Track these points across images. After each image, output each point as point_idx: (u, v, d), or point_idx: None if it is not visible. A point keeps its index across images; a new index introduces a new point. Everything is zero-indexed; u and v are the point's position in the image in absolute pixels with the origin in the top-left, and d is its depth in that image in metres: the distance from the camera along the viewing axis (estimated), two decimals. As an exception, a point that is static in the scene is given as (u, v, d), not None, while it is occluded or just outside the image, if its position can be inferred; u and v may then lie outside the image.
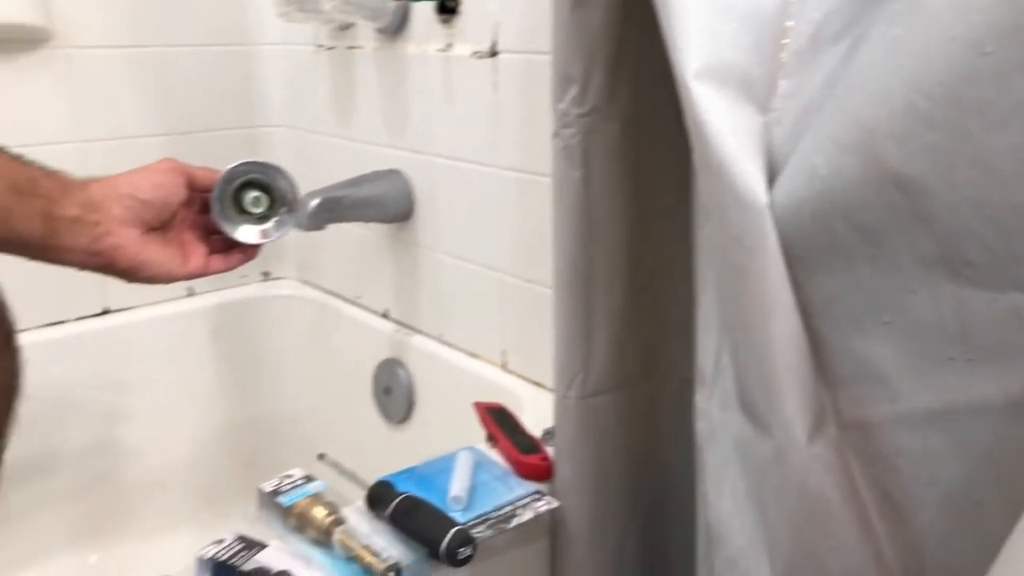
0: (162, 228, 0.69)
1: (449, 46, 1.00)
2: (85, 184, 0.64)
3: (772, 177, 0.48)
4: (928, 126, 0.39)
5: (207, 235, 0.73)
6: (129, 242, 0.66)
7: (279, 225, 0.73)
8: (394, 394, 1.18)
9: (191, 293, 1.31)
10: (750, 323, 0.49)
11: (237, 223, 0.72)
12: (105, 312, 1.23)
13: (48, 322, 1.18)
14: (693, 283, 0.62)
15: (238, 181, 0.72)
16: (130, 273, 0.68)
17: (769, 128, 0.50)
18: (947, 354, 0.42)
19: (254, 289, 1.37)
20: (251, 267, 1.36)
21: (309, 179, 1.26)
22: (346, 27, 1.16)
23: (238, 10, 1.30)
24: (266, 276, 1.40)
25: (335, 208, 1.05)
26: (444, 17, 1.00)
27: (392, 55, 1.09)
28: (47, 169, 0.62)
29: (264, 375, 1.37)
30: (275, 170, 0.73)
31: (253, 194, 0.72)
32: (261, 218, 0.73)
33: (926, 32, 0.39)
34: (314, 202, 1.03)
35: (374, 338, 1.21)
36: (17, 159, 0.60)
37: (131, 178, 0.67)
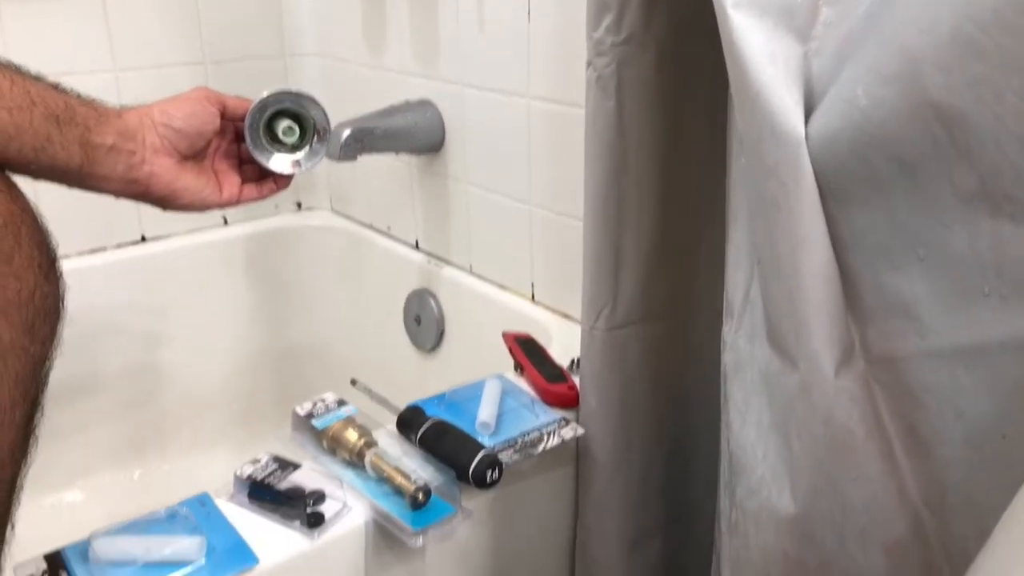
0: (196, 157, 0.70)
1: (482, -28, 0.98)
2: (120, 113, 0.65)
3: (810, 109, 0.48)
4: (976, 56, 0.38)
5: (240, 164, 0.74)
6: (164, 171, 0.66)
7: (311, 155, 0.74)
8: (424, 323, 1.19)
9: (226, 223, 1.32)
10: (781, 256, 0.49)
11: (270, 152, 0.72)
12: (143, 240, 1.25)
13: (88, 249, 1.21)
14: (725, 215, 0.62)
15: (271, 110, 0.72)
16: (165, 201, 0.69)
17: (808, 58, 0.49)
18: (981, 289, 0.41)
19: (287, 219, 1.39)
20: (284, 197, 1.37)
21: (340, 109, 1.26)
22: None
23: (270, -65, 1.28)
24: (299, 206, 1.41)
25: (366, 139, 1.05)
26: (478, -59, 0.98)
27: (424, -19, 1.07)
28: (83, 97, 0.62)
29: (297, 303, 1.40)
30: (308, 99, 0.73)
31: (286, 123, 0.73)
32: (293, 147, 0.73)
33: (978, -44, 0.38)
34: (345, 133, 1.03)
35: (405, 268, 1.22)
36: (54, 87, 0.60)
37: (165, 107, 0.68)
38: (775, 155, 0.48)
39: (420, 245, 1.22)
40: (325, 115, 0.74)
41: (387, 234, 1.29)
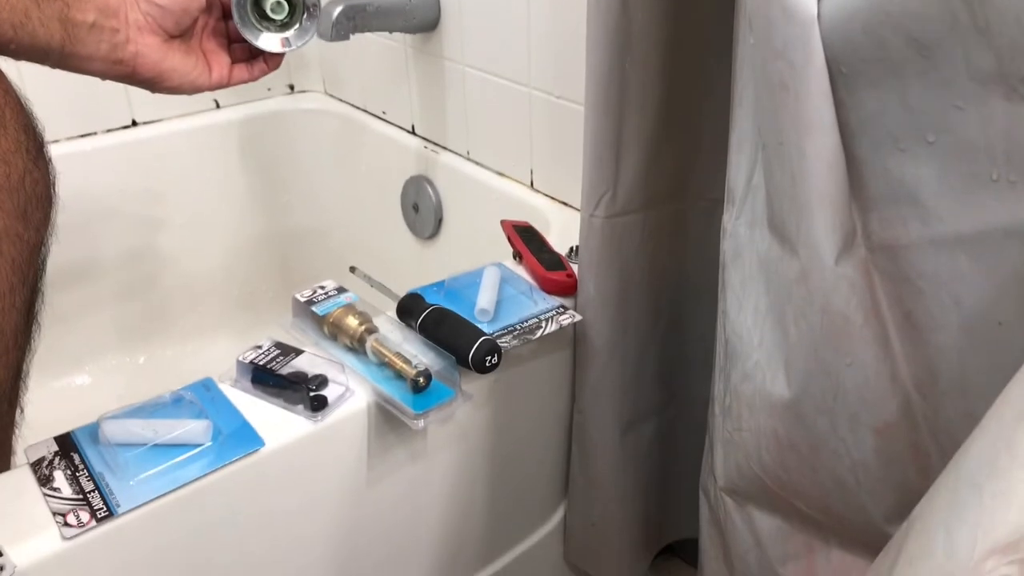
0: (183, 36, 0.67)
1: None
2: None
3: (824, -16, 0.45)
4: (1002, -74, 0.36)
5: (230, 44, 0.71)
6: (150, 50, 0.64)
7: (301, 32, 0.71)
8: (422, 211, 1.18)
9: (218, 106, 1.29)
10: (786, 140, 0.48)
11: (259, 30, 0.69)
12: (133, 124, 1.22)
13: (78, 134, 1.18)
14: (730, 100, 0.60)
15: None
16: (153, 82, 0.67)
17: (825, -72, 0.46)
18: (989, 175, 0.40)
19: (280, 102, 1.35)
20: (276, 79, 1.34)
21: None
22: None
23: None
24: (291, 89, 1.38)
25: (358, 16, 1.01)
26: None
27: None
28: None
29: (293, 188, 1.38)
30: None
31: (273, 0, 0.70)
32: (283, 25, 0.71)
33: None
34: (336, 10, 0.99)
35: (401, 154, 1.20)
36: None
37: None
38: (784, 35, 0.46)
39: (416, 130, 1.20)
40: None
41: (382, 118, 1.26)
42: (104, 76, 0.64)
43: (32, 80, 0.61)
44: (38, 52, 0.59)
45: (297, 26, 0.71)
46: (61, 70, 0.62)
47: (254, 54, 0.71)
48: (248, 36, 0.69)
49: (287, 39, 0.71)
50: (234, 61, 0.71)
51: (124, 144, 1.21)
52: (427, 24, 1.08)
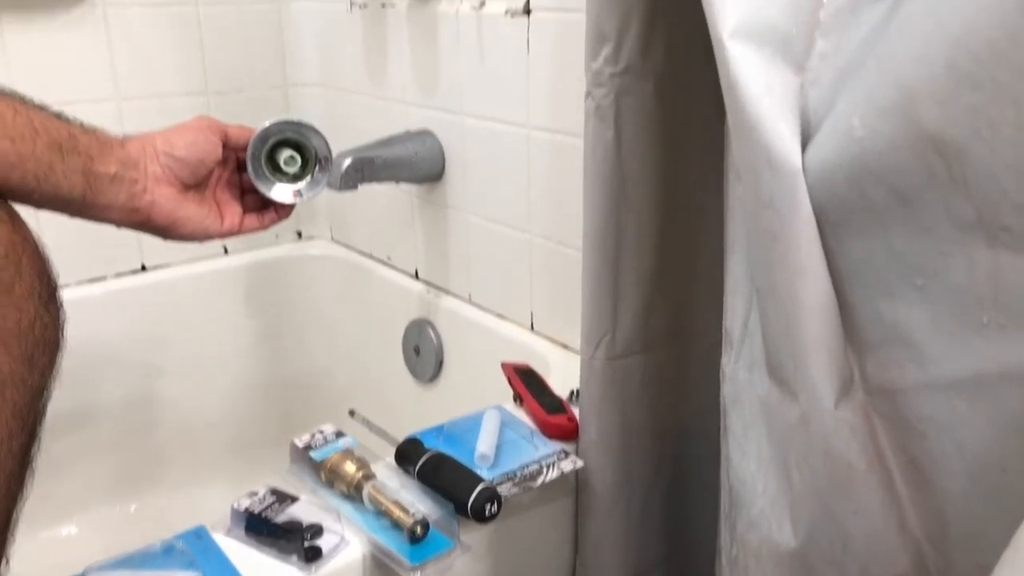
0: (198, 186, 0.70)
1: (482, 4, 0.99)
2: (123, 142, 0.65)
3: (806, 139, 0.48)
4: (971, 87, 0.38)
5: (242, 194, 0.74)
6: (166, 199, 0.67)
7: (313, 184, 0.74)
8: (423, 353, 1.19)
9: (226, 252, 1.33)
10: (779, 287, 0.49)
11: (272, 182, 0.72)
12: (143, 269, 1.25)
13: (88, 278, 1.21)
14: (723, 245, 0.61)
15: (273, 140, 0.72)
16: (167, 230, 0.69)
17: (805, 89, 0.49)
18: (980, 319, 0.41)
19: (287, 248, 1.39)
20: (284, 227, 1.37)
21: (341, 138, 1.27)
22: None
23: (272, -33, 1.30)
24: (299, 236, 1.42)
25: (367, 168, 1.05)
26: (477, -25, 0.99)
27: (425, 13, 1.08)
28: (86, 126, 0.63)
29: (297, 333, 1.40)
30: (309, 129, 0.73)
31: (288, 153, 0.73)
32: (295, 177, 0.73)
33: (971, -11, 0.38)
34: (346, 162, 1.03)
35: (404, 298, 1.22)
36: (57, 116, 0.61)
37: (168, 136, 0.68)
38: (771, 185, 0.48)
39: (420, 274, 1.22)
40: (327, 144, 0.74)
41: (387, 263, 1.29)
42: (119, 224, 0.66)
43: (47, 223, 0.63)
44: (59, 203, 0.61)
45: (309, 178, 0.74)
46: (78, 218, 0.64)
47: (265, 203, 0.74)
48: (261, 188, 0.71)
49: (299, 191, 0.73)
50: (246, 210, 0.73)
51: (132, 289, 1.24)
52: (432, 175, 1.12)
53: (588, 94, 0.68)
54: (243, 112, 1.28)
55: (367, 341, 1.32)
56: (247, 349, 1.35)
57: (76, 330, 0.70)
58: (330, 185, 1.05)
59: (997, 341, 0.41)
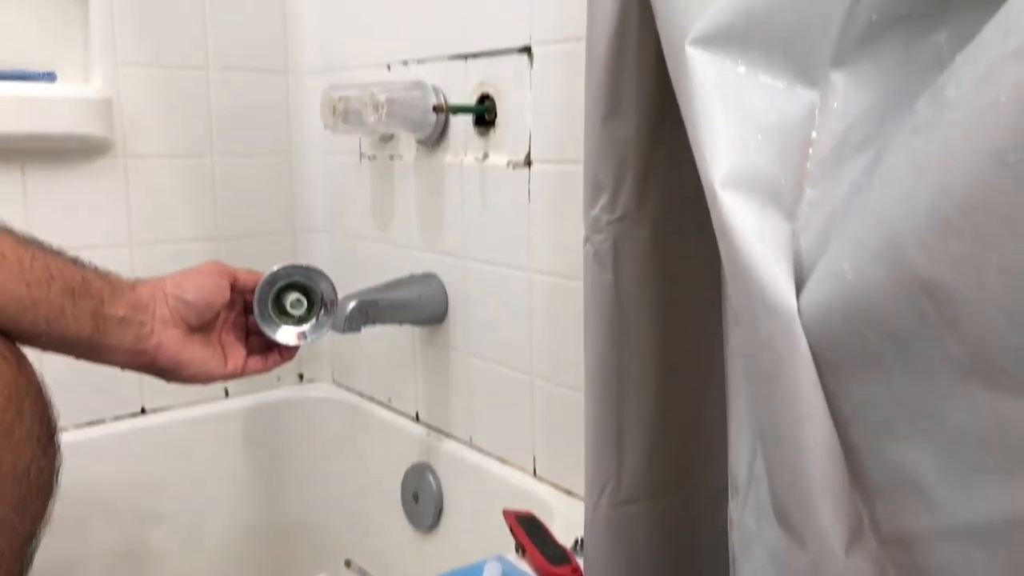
0: (204, 328, 0.71)
1: (485, 156, 1.04)
2: (133, 285, 0.66)
3: (800, 282, 0.49)
4: (954, 233, 0.39)
5: (247, 335, 0.75)
6: (172, 342, 0.67)
7: (317, 327, 0.75)
8: (423, 500, 1.16)
9: (227, 395, 1.32)
10: (782, 430, 0.48)
11: (277, 324, 0.73)
12: (143, 412, 1.24)
13: (86, 421, 1.20)
14: (725, 388, 0.61)
15: (280, 283, 0.74)
16: (171, 372, 0.69)
17: (796, 235, 0.51)
18: (986, 464, 0.40)
19: (289, 391, 1.39)
20: (287, 369, 1.38)
21: (347, 282, 1.29)
22: (388, 138, 1.21)
23: (286, 122, 1.37)
24: (301, 378, 1.41)
25: (371, 311, 1.07)
26: (481, 129, 1.05)
27: (431, 164, 1.13)
28: (99, 270, 0.65)
29: (295, 478, 1.37)
30: (317, 272, 0.75)
31: (294, 296, 0.74)
32: (300, 319, 0.74)
33: (948, 143, 0.40)
34: (351, 305, 1.05)
35: (404, 442, 1.21)
36: (73, 261, 0.63)
37: (177, 279, 0.70)
38: (769, 328, 0.48)
39: (420, 417, 1.21)
40: (333, 288, 0.76)
41: (387, 406, 1.28)
42: (124, 366, 0.67)
43: (49, 363, 0.63)
44: (67, 345, 0.62)
45: (314, 321, 0.75)
46: (83, 360, 0.65)
47: (269, 346, 0.75)
48: (267, 330, 0.72)
49: (303, 333, 0.74)
50: (250, 352, 0.74)
51: (131, 432, 1.23)
52: (435, 317, 1.14)
53: (587, 240, 0.70)
54: (252, 256, 1.31)
55: (366, 487, 1.29)
56: (244, 494, 1.32)
57: (70, 475, 0.69)
58: (334, 327, 1.06)
59: (1006, 486, 0.40)
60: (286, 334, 0.73)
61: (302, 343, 0.74)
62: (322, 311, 0.75)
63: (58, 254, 0.62)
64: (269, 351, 0.75)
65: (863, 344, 0.45)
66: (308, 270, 0.74)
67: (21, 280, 0.56)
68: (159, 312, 0.67)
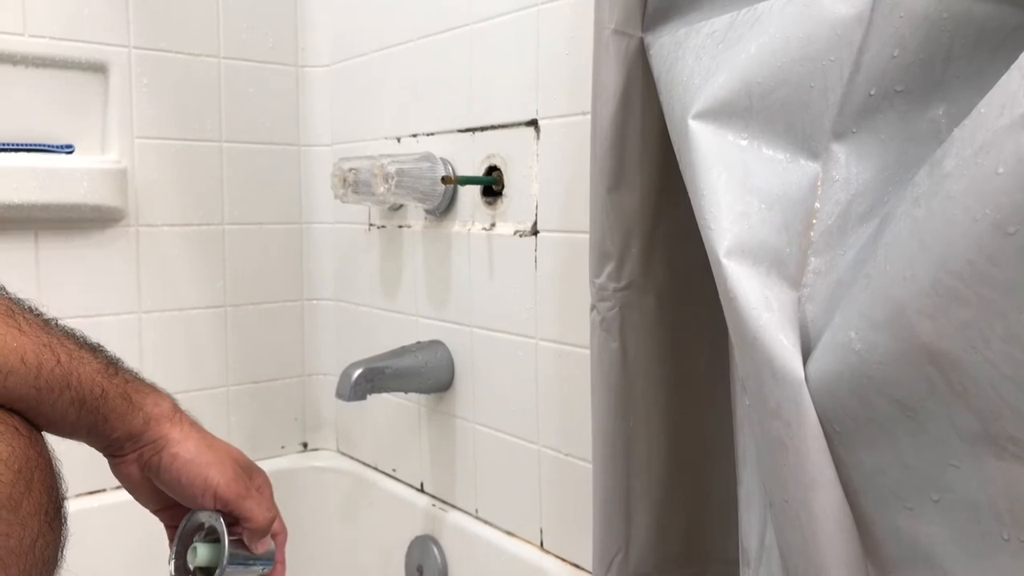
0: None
1: (493, 225, 1.05)
2: (147, 419, 0.64)
3: (807, 351, 0.49)
4: (958, 303, 0.40)
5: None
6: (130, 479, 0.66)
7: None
8: (427, 573, 1.14)
9: (230, 462, 1.31)
10: (791, 498, 0.48)
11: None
12: (144, 480, 1.23)
13: (88, 491, 1.19)
14: (734, 457, 0.61)
15: (189, 537, 0.69)
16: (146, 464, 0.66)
17: (802, 304, 0.51)
18: (1000, 535, 0.40)
19: (293, 460, 1.37)
20: (290, 438, 1.37)
21: (355, 350, 1.30)
22: (397, 208, 1.23)
23: (297, 192, 1.39)
24: (305, 447, 1.40)
25: (377, 379, 1.07)
26: (489, 199, 1.06)
27: (439, 233, 1.15)
28: (133, 382, 0.63)
29: (298, 548, 1.34)
30: (209, 527, 0.69)
31: (196, 549, 0.69)
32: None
33: (949, 214, 0.40)
34: (356, 373, 1.05)
35: (409, 513, 1.19)
36: (107, 366, 0.61)
37: (181, 463, 0.65)
38: (777, 397, 0.48)
39: (425, 487, 1.20)
40: (221, 533, 0.68)
41: (392, 476, 1.27)
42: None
43: (51, 437, 0.63)
44: (53, 432, 0.61)
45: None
46: None
47: None
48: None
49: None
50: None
51: (131, 502, 1.20)
52: (441, 385, 1.13)
53: (593, 308, 0.71)
54: (257, 323, 1.32)
55: (369, 559, 1.27)
56: (243, 566, 1.29)
57: (70, 544, 0.68)
58: (340, 395, 1.06)
59: (1021, 559, 0.39)
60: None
61: None
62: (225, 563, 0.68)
63: (95, 354, 0.61)
64: None
65: (871, 412, 0.45)
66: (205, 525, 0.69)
67: (32, 386, 0.56)
68: (145, 460, 0.65)
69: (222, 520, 0.67)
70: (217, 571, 0.67)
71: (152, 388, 0.65)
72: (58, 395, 0.58)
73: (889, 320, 0.42)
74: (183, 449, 0.65)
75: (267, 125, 1.35)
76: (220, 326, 1.29)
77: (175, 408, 0.66)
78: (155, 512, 0.69)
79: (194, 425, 0.67)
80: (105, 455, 0.66)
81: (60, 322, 0.61)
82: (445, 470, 1.16)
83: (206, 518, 0.68)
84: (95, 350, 0.62)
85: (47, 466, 0.57)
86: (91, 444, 0.64)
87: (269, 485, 0.71)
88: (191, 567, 0.68)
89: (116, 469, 0.66)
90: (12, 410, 0.56)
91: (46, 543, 0.56)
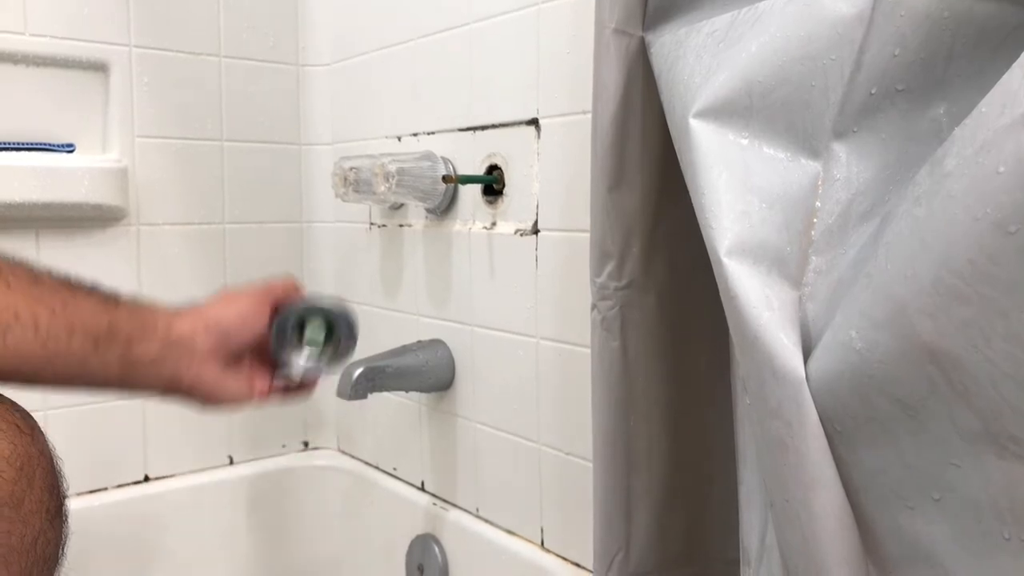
0: (237, 355, 0.69)
1: (493, 224, 1.05)
2: (170, 320, 0.65)
3: (807, 350, 0.49)
4: (960, 301, 0.40)
5: (272, 361, 0.72)
6: (209, 375, 0.66)
7: (336, 358, 0.73)
8: (428, 572, 1.14)
9: (231, 462, 1.31)
10: (792, 498, 0.48)
11: (295, 354, 0.71)
12: (145, 479, 1.23)
13: (87, 489, 1.19)
14: (735, 457, 0.61)
15: (302, 315, 0.72)
16: (204, 401, 0.67)
17: (803, 303, 0.51)
18: (1001, 534, 0.40)
19: (293, 459, 1.37)
20: (291, 436, 1.37)
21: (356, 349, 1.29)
22: (398, 207, 1.23)
23: (298, 191, 1.39)
24: (306, 445, 1.40)
25: (377, 377, 1.07)
26: (489, 198, 1.06)
27: (439, 232, 1.15)
28: (134, 305, 0.63)
29: (299, 547, 1.34)
30: (338, 308, 0.73)
31: (315, 327, 0.72)
32: (321, 351, 0.73)
33: (950, 213, 0.40)
34: (357, 372, 1.05)
35: (409, 512, 1.19)
36: (104, 300, 0.61)
37: (220, 311, 0.68)
38: (777, 396, 0.48)
39: (426, 486, 1.20)
40: (351, 325, 0.74)
41: (393, 475, 1.27)
42: (154, 396, 0.66)
43: (53, 432, 0.63)
44: (94, 389, 0.61)
45: (332, 351, 0.73)
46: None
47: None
48: (284, 360, 0.71)
49: (316, 366, 0.72)
50: (275, 376, 0.72)
51: (132, 500, 1.21)
52: (442, 384, 1.13)
53: (594, 307, 0.71)
54: (260, 323, 1.32)
55: (369, 558, 1.27)
56: (247, 563, 1.29)
57: (72, 543, 0.68)
58: (340, 394, 1.06)
59: (1022, 558, 0.39)
60: (299, 364, 0.71)
61: (314, 374, 0.72)
62: (337, 345, 0.73)
63: (89, 293, 0.60)
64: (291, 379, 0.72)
65: (872, 412, 0.45)
66: (330, 306, 0.73)
67: (35, 341, 0.56)
68: (199, 346, 0.65)
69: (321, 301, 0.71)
70: (332, 351, 0.72)
71: (138, 303, 0.64)
72: (66, 343, 0.57)
73: (890, 319, 0.42)
74: (224, 307, 0.67)
75: (268, 124, 1.35)
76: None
77: (180, 308, 0.66)
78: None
79: (200, 306, 0.67)
80: (170, 387, 0.64)
81: (53, 272, 0.60)
82: (446, 469, 1.16)
83: (310, 305, 0.71)
84: (91, 290, 0.61)
85: (48, 464, 0.57)
86: (134, 384, 0.62)
87: (291, 282, 0.73)
88: (303, 349, 0.71)
89: (191, 381, 0.65)
90: (14, 406, 0.56)
91: (47, 540, 0.56)
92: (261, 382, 0.71)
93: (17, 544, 0.53)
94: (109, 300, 0.62)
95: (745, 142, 0.55)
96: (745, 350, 0.51)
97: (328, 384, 1.36)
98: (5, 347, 0.54)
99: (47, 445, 0.58)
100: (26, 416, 0.56)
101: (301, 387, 0.74)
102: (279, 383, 0.72)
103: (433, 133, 1.15)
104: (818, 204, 0.53)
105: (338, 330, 0.74)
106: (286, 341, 0.71)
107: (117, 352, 0.60)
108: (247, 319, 0.68)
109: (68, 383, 0.59)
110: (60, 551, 0.59)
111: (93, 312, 0.60)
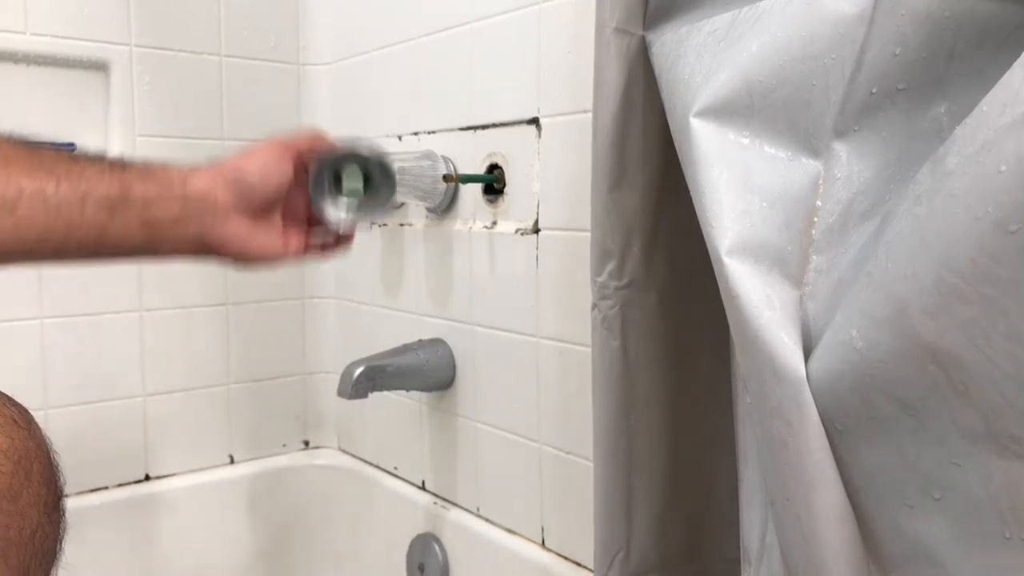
0: (267, 209, 0.66)
1: (494, 224, 1.05)
2: (186, 176, 0.62)
3: (808, 349, 0.49)
4: (961, 301, 0.40)
5: (309, 216, 0.70)
6: (237, 230, 0.63)
7: (371, 210, 0.70)
8: (428, 571, 1.14)
9: (232, 461, 1.31)
10: (792, 497, 0.48)
11: (332, 203, 0.68)
12: (146, 479, 1.23)
13: (88, 488, 1.19)
14: (735, 456, 0.61)
15: (337, 163, 0.69)
16: (235, 260, 0.65)
17: (803, 302, 0.51)
18: (1002, 533, 0.40)
19: (293, 458, 1.37)
20: (292, 436, 1.37)
21: (356, 348, 1.30)
22: (398, 206, 1.23)
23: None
24: (307, 445, 1.40)
25: (378, 377, 1.07)
26: (490, 197, 1.06)
27: (440, 232, 1.15)
28: (145, 168, 0.60)
29: (299, 546, 1.34)
30: (376, 155, 0.70)
31: (352, 175, 0.69)
32: (360, 202, 0.69)
33: (951, 212, 0.40)
34: (357, 371, 1.05)
35: (410, 511, 1.19)
36: (111, 166, 0.58)
37: (239, 163, 0.64)
38: (778, 395, 0.48)
39: (427, 485, 1.20)
40: (390, 174, 0.70)
41: (393, 474, 1.27)
42: (187, 260, 0.63)
43: (53, 431, 0.63)
44: (121, 257, 0.58)
45: (373, 201, 0.69)
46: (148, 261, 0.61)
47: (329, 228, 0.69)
48: (323, 210, 0.68)
49: (356, 215, 0.69)
50: (311, 234, 0.69)
51: (132, 499, 1.21)
52: (442, 383, 1.13)
53: (594, 306, 0.71)
54: (259, 321, 1.32)
55: (370, 557, 1.27)
56: (247, 562, 1.29)
57: (72, 541, 0.68)
58: (340, 393, 1.06)
59: (1022, 557, 0.39)
60: (337, 213, 0.67)
61: (353, 222, 0.68)
62: (377, 193, 0.69)
63: (94, 161, 0.58)
64: (329, 232, 0.69)
65: (873, 411, 0.45)
66: (368, 153, 0.69)
67: (46, 213, 0.53)
68: (221, 200, 0.62)
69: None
70: (370, 199, 0.68)
71: (150, 165, 0.61)
72: (79, 211, 0.54)
73: (891, 318, 0.42)
74: (243, 160, 0.63)
75: (268, 123, 1.35)
76: (221, 324, 1.29)
77: (196, 165, 0.63)
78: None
79: (218, 162, 0.64)
80: (200, 246, 0.61)
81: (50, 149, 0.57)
82: (446, 468, 1.16)
83: (344, 154, 0.67)
84: (95, 157, 0.58)
85: (46, 458, 0.57)
86: (160, 247, 0.59)
87: (316, 132, 0.69)
88: (342, 193, 0.67)
89: (219, 239, 0.62)
90: (11, 401, 0.56)
91: (45, 534, 0.56)
92: (297, 238, 0.67)
93: (15, 537, 0.53)
94: (116, 164, 0.59)
95: (746, 141, 0.55)
96: (746, 349, 0.51)
97: (329, 383, 1.37)
98: (17, 222, 0.52)
99: (44, 440, 0.58)
100: (23, 411, 0.56)
101: (340, 240, 0.70)
102: (316, 239, 0.69)
103: (434, 132, 1.15)
104: (819, 203, 0.53)
105: (376, 177, 0.69)
106: (324, 192, 0.67)
107: (135, 216, 0.57)
108: (269, 170, 0.64)
109: (95, 254, 0.56)
110: (58, 546, 0.59)
111: (101, 177, 0.56)
